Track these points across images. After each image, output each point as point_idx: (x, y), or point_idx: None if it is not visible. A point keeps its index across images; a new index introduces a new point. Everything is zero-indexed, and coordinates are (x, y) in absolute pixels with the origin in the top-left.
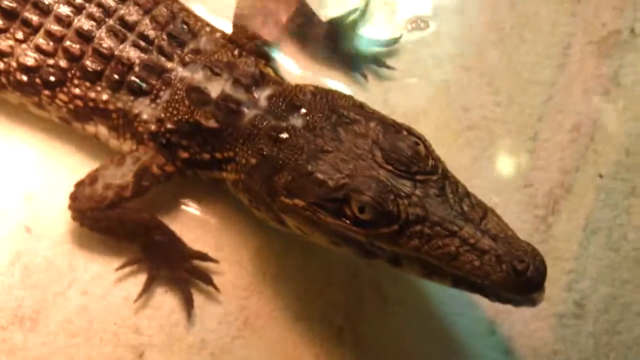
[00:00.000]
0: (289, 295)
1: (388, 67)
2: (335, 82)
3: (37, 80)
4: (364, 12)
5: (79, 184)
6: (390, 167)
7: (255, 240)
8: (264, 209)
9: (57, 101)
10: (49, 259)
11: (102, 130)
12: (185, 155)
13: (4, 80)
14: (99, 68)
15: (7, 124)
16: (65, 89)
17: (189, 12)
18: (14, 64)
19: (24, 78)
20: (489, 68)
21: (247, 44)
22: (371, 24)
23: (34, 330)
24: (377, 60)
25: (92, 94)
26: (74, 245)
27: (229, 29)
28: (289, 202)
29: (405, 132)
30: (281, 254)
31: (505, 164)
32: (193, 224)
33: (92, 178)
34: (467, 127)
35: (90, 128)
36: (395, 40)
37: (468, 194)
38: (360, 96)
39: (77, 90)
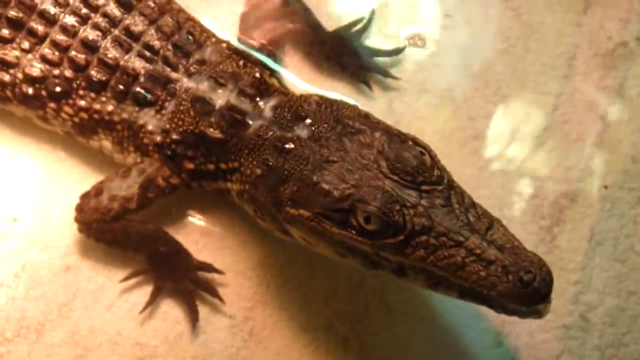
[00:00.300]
0: (293, 305)
1: (393, 77)
2: (340, 92)
3: (43, 92)
4: (368, 23)
5: (84, 196)
6: (395, 177)
7: (260, 251)
8: (269, 220)
9: (62, 114)
10: (53, 271)
11: (106, 145)
12: (190, 166)
13: (9, 94)
14: (104, 78)
15: (12, 136)
16: (70, 101)
17: (195, 23)
18: (20, 75)
19: (30, 91)
20: (494, 78)
21: (252, 56)
22: (375, 35)
23: (39, 342)
24: (382, 70)
25: (97, 106)
26: (79, 256)
27: (234, 41)
28: (294, 213)
29: (410, 142)
30: (286, 264)
31: (511, 174)
32: (198, 234)
33: (97, 190)
34: (472, 136)
35: (94, 143)
36: (400, 50)
37: (474, 204)
38: (365, 106)
39: (82, 102)
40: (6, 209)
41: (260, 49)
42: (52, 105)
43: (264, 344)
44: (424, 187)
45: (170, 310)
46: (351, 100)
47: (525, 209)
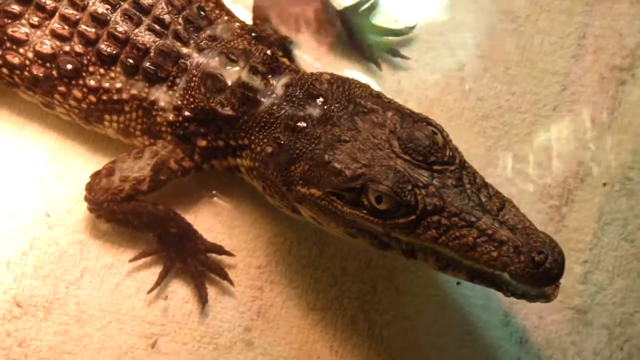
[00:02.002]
0: (302, 284)
1: (402, 57)
2: (350, 71)
3: (54, 72)
4: (377, 1)
5: (95, 175)
6: (407, 157)
7: (269, 230)
8: (278, 197)
9: (70, 100)
10: (61, 249)
11: (111, 133)
12: (203, 143)
13: (17, 79)
14: (114, 52)
15: (20, 115)
16: (80, 81)
17: None
18: (30, 54)
19: (40, 72)
20: (503, 57)
21: (265, 37)
22: (383, 13)
23: (47, 320)
24: (392, 50)
25: (106, 84)
26: (87, 234)
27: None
28: (305, 192)
29: (422, 122)
30: (294, 243)
31: (520, 154)
32: (207, 212)
33: (109, 170)
34: (481, 116)
35: (100, 131)
36: (409, 30)
37: (486, 185)
38: (374, 85)
39: (91, 82)
40: (14, 187)
41: (275, 30)
42: (61, 88)
43: (271, 323)
44: (435, 167)
45: (179, 289)
46: (361, 80)
47: (534, 189)
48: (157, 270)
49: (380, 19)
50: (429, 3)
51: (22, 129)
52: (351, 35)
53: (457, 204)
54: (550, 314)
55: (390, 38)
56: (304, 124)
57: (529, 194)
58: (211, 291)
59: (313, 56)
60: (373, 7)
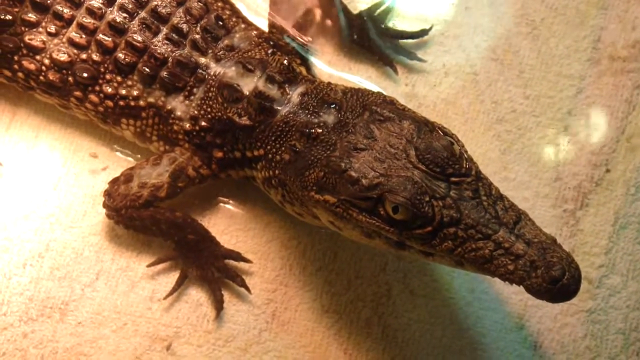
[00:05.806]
0: (316, 288)
1: (418, 59)
2: (365, 75)
3: (70, 79)
4: (392, 4)
5: (114, 182)
6: (424, 168)
7: (283, 233)
8: (298, 204)
9: (87, 104)
10: (77, 251)
11: (128, 135)
12: (219, 154)
13: (33, 83)
14: (132, 61)
15: (36, 118)
16: (97, 88)
17: (224, 5)
18: (46, 61)
19: (56, 78)
20: (518, 61)
21: (283, 46)
22: (399, 17)
23: (63, 322)
24: (407, 52)
25: (123, 91)
26: (102, 237)
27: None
28: (319, 198)
29: (439, 131)
30: (308, 247)
31: (534, 158)
32: (221, 215)
33: (127, 176)
34: (496, 120)
35: (117, 132)
36: (426, 32)
37: (502, 197)
38: (388, 88)
39: (108, 89)
40: (30, 189)
41: (292, 38)
42: (77, 93)
43: (286, 326)
44: (452, 179)
45: (194, 292)
46: (375, 83)
47: (548, 193)
48: (172, 273)
49: (396, 22)
50: (444, 6)
51: (38, 131)
52: (367, 38)
53: (473, 216)
54: (564, 318)
55: (405, 41)
56: (319, 130)
57: (544, 197)
58: (226, 294)
59: (327, 60)
60: (389, 10)
